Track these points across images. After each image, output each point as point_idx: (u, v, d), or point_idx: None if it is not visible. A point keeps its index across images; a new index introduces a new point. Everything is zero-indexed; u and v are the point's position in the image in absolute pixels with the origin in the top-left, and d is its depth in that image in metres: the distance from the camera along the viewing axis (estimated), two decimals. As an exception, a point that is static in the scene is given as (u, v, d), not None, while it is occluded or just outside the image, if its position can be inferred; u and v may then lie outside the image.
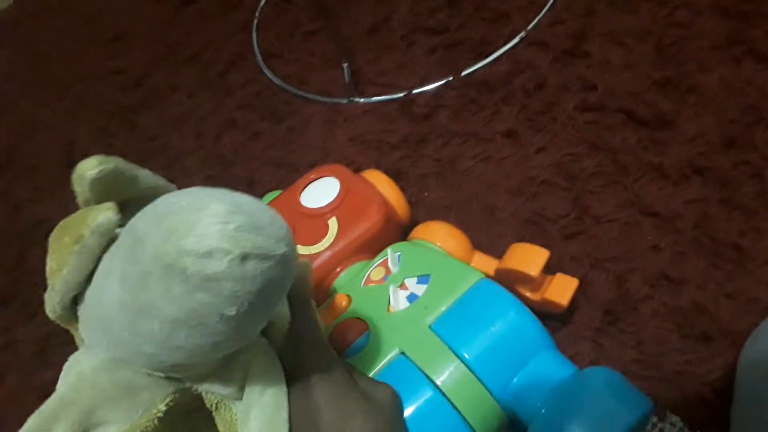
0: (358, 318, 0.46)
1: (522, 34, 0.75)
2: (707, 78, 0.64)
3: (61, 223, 0.31)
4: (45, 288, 0.67)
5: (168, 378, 0.30)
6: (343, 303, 0.48)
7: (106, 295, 0.27)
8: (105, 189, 0.30)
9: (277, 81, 0.84)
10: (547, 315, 0.53)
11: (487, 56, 0.75)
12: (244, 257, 0.24)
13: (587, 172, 0.62)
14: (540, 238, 0.59)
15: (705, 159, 0.59)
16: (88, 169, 0.29)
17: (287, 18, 0.92)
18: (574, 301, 0.52)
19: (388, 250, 0.51)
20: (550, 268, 0.55)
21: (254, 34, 0.92)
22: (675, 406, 0.47)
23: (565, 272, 0.52)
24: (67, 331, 0.45)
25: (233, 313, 0.25)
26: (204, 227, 0.24)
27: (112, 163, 0.30)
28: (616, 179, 0.60)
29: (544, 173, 0.63)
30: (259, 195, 0.72)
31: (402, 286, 0.47)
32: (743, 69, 0.63)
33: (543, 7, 0.76)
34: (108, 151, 0.87)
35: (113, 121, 0.90)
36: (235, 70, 0.89)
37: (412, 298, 0.45)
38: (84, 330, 0.30)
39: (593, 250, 0.57)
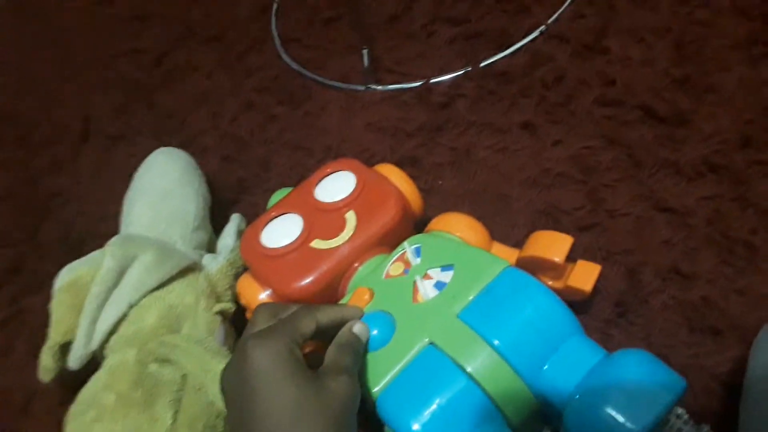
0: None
1: (542, 27, 0.75)
2: (726, 77, 0.64)
3: None
4: (55, 260, 0.66)
5: None
6: (365, 296, 0.48)
7: None
8: None
9: (295, 66, 0.85)
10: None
11: (506, 48, 0.75)
12: None
13: (603, 166, 0.62)
14: (553, 229, 0.59)
15: (720, 157, 0.59)
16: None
17: (307, 4, 0.93)
18: (585, 291, 0.52)
19: (405, 243, 0.51)
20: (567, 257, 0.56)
21: (273, 19, 0.93)
22: (681, 398, 0.48)
23: (577, 260, 0.52)
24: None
25: None
26: None
27: None
28: (631, 174, 0.61)
29: (559, 166, 0.63)
30: (274, 176, 0.73)
31: (426, 276, 0.47)
32: (762, 70, 0.64)
33: (564, 2, 0.76)
34: (125, 127, 0.88)
35: (131, 98, 0.90)
36: (253, 53, 0.89)
37: (440, 285, 0.45)
38: None
39: (606, 242, 0.57)
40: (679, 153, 0.60)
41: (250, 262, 0.54)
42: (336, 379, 0.37)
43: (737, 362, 0.48)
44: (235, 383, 0.36)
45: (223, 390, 0.38)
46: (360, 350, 0.42)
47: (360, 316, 0.45)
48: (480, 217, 0.59)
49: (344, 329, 0.42)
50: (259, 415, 0.34)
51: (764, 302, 0.50)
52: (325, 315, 0.42)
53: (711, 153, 0.59)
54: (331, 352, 0.40)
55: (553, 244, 0.49)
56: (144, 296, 0.51)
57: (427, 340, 0.42)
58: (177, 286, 0.52)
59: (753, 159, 0.58)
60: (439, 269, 0.47)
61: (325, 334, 0.42)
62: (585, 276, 0.49)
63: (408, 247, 0.50)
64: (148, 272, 0.51)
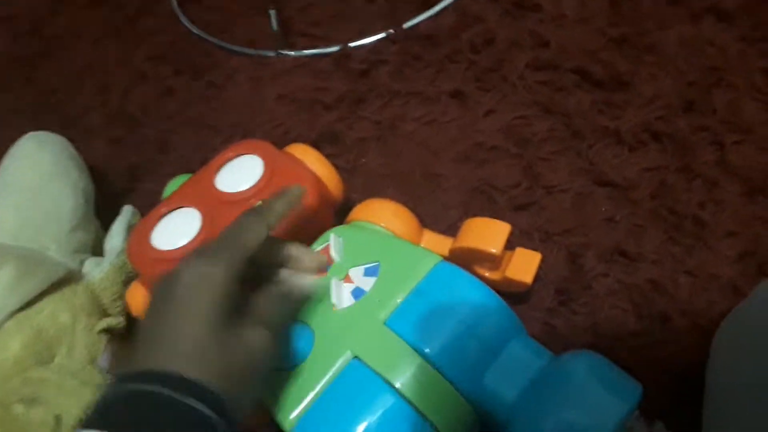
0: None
1: (469, -17, 0.68)
2: (666, 36, 0.60)
3: None
4: None
5: None
6: None
7: None
8: None
9: (194, 30, 0.75)
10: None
11: (431, 7, 0.68)
12: None
13: (539, 137, 0.57)
14: (488, 209, 0.54)
15: (663, 123, 0.55)
16: None
17: (207, -42, 0.82)
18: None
19: (331, 234, 0.44)
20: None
21: (169, -24, 0.82)
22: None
23: (514, 247, 0.47)
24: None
25: None
26: None
27: None
28: (569, 145, 0.56)
29: (493, 138, 0.58)
30: (173, 160, 0.64)
31: (346, 278, 0.41)
32: (703, 27, 0.60)
33: (492, -46, 0.70)
34: (-2, 107, 0.75)
35: (4, 73, 0.79)
36: (146, 17, 0.79)
37: (357, 293, 0.40)
38: None
39: (544, 222, 0.52)
40: (619, 120, 0.55)
41: (140, 267, 0.46)
42: (253, 329, 0.33)
43: (689, 352, 0.44)
44: (159, 293, 0.33)
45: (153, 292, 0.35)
46: (293, 305, 0.38)
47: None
48: (409, 199, 0.53)
49: (285, 277, 0.37)
50: (167, 339, 0.31)
51: (714, 283, 0.47)
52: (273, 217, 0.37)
53: (653, 119, 0.55)
54: (259, 297, 0.35)
55: (490, 234, 0.44)
56: (6, 319, 0.42)
57: (349, 353, 0.37)
58: (48, 303, 0.44)
59: (697, 124, 0.54)
60: (361, 270, 0.41)
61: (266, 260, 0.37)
62: (524, 266, 0.45)
63: (333, 239, 0.43)
64: (8, 290, 0.42)
